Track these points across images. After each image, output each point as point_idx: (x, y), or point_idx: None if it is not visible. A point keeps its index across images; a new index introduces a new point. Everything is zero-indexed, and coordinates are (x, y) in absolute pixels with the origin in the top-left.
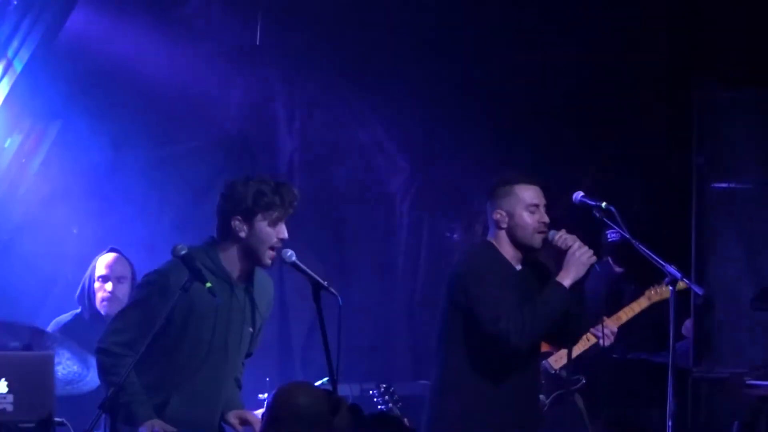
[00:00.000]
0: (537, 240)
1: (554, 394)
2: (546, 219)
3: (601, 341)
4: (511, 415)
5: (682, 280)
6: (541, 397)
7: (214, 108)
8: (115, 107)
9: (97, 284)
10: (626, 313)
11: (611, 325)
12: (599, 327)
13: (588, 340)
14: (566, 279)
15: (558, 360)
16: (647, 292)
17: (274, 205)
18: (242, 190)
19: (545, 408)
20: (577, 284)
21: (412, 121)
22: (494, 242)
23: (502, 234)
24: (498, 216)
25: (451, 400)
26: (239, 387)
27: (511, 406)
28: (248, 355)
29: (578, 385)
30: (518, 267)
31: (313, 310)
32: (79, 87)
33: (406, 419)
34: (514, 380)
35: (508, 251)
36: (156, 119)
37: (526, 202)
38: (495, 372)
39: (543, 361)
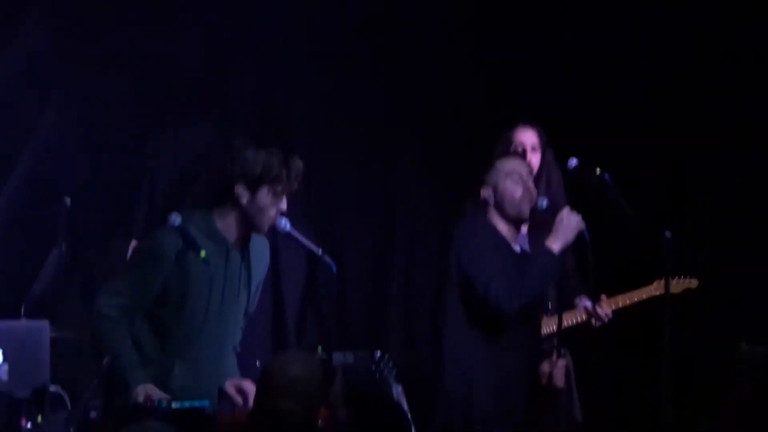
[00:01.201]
0: (524, 208)
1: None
2: (531, 186)
3: (594, 321)
4: (515, 377)
5: (673, 244)
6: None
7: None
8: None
9: None
10: (626, 299)
11: (607, 307)
12: (596, 305)
13: (580, 316)
14: (555, 244)
15: (545, 326)
16: (656, 283)
17: (281, 179)
18: (251, 158)
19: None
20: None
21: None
22: (489, 219)
23: (493, 211)
24: (485, 193)
25: (455, 372)
26: (236, 353)
27: (515, 370)
28: (245, 314)
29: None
30: (516, 247)
31: (307, 279)
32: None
33: (401, 387)
34: (515, 343)
35: (502, 228)
36: (150, 98)
37: (506, 172)
38: (494, 337)
39: None
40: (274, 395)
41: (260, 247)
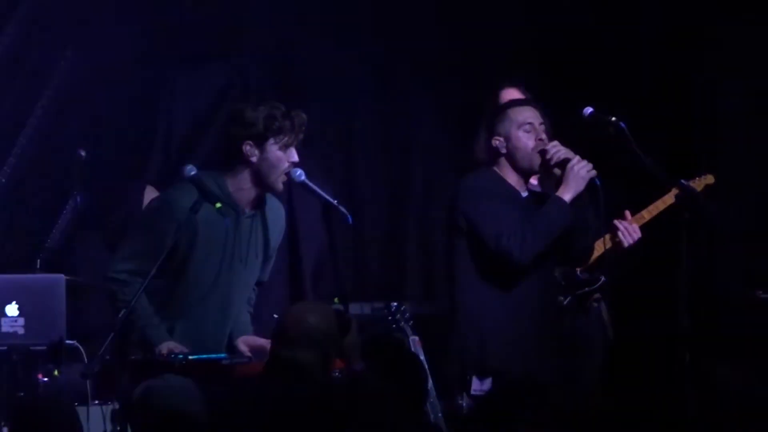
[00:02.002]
0: (536, 160)
1: (572, 295)
2: (543, 136)
3: (623, 239)
4: (528, 327)
5: (688, 190)
6: (560, 298)
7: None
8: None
9: None
10: (650, 212)
11: (633, 224)
12: (621, 222)
13: (609, 241)
14: (566, 194)
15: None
16: (673, 190)
17: (285, 130)
18: (252, 114)
19: (563, 305)
20: (578, 199)
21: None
22: (497, 170)
23: (503, 161)
24: (496, 143)
25: (468, 322)
26: (250, 311)
27: (528, 318)
28: (259, 283)
29: (597, 285)
30: (524, 194)
31: (323, 230)
32: None
33: (417, 338)
34: (527, 293)
35: (511, 178)
36: (163, 44)
37: (519, 122)
38: (507, 288)
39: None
40: (290, 345)
41: (276, 213)
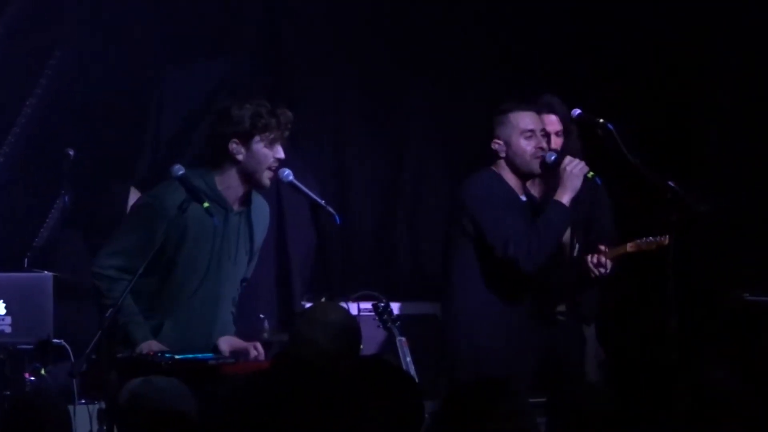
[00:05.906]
0: (535, 165)
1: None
2: (542, 144)
3: (594, 270)
4: (522, 339)
5: (679, 193)
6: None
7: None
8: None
9: None
10: (637, 246)
11: (607, 258)
12: (594, 256)
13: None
14: (564, 196)
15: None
16: (668, 237)
17: (271, 127)
18: (238, 112)
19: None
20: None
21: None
22: (496, 170)
23: (502, 163)
24: (496, 146)
25: (464, 332)
26: (233, 311)
27: (522, 331)
28: (243, 280)
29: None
30: (523, 198)
31: (312, 230)
32: None
33: (404, 339)
34: (526, 304)
35: (511, 180)
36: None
37: (520, 129)
38: (508, 297)
39: None
40: (312, 326)
41: (261, 211)
